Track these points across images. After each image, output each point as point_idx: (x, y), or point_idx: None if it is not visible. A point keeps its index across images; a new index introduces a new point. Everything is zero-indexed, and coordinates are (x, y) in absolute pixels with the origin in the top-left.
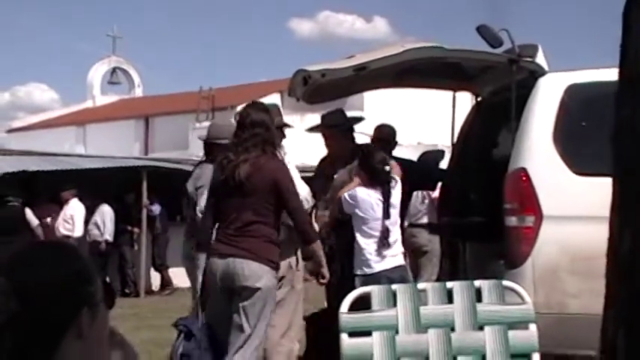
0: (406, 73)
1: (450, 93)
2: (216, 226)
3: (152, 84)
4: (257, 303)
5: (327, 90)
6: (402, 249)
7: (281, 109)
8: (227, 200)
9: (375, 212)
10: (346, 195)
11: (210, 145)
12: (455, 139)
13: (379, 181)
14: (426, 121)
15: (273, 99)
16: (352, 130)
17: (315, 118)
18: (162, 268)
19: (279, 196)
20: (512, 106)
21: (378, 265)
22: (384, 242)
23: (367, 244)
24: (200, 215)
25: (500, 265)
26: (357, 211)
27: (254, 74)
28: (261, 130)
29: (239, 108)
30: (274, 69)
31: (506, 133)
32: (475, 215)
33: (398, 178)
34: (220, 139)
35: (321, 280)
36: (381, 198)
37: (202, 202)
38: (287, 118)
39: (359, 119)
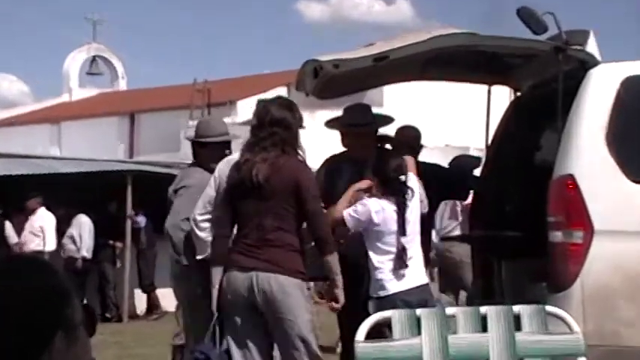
0: (433, 64)
1: (484, 87)
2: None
3: (138, 75)
4: (299, 325)
5: (341, 83)
6: (421, 265)
7: None
8: (244, 204)
9: (389, 226)
10: (351, 211)
11: (199, 146)
12: (489, 141)
13: (392, 191)
14: (456, 120)
15: (278, 93)
16: (377, 132)
17: (326, 116)
18: (150, 289)
19: (298, 199)
20: (559, 101)
21: (393, 286)
22: (399, 262)
23: (381, 263)
24: (179, 223)
25: (543, 287)
26: (368, 226)
27: (256, 65)
28: (279, 129)
29: (239, 104)
30: (280, 59)
31: (551, 133)
32: (513, 228)
33: (416, 190)
34: (208, 137)
35: (334, 305)
36: (395, 209)
37: (179, 203)
38: None
39: (387, 120)
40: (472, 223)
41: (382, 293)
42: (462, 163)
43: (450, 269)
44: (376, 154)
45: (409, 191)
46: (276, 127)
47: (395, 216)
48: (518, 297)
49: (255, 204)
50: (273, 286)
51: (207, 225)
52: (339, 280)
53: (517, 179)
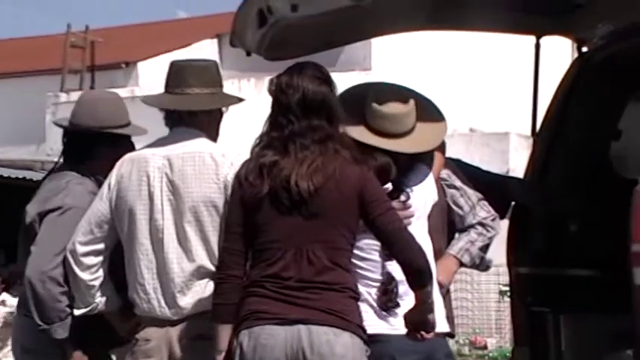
0: (448, 4)
1: (529, 40)
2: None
3: None
4: None
5: (302, 36)
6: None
7: (219, 67)
8: (271, 227)
9: (368, 252)
10: None
11: (78, 138)
12: (540, 126)
13: None
14: (485, 93)
15: (204, 51)
16: None
17: None
18: None
19: (367, 219)
20: None
21: (377, 325)
22: (384, 298)
23: (364, 296)
24: (50, 271)
25: (628, 357)
26: None
27: (166, 6)
28: (320, 118)
29: (140, 67)
30: None
31: (638, 112)
32: (576, 264)
33: (422, 196)
34: (102, 127)
35: (426, 335)
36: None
37: (50, 236)
38: (229, 87)
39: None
40: (514, 256)
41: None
42: None
43: None
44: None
45: (402, 196)
46: (315, 116)
47: (374, 239)
48: None
49: (292, 228)
50: (337, 348)
51: (94, 260)
52: (430, 321)
53: (584, 187)
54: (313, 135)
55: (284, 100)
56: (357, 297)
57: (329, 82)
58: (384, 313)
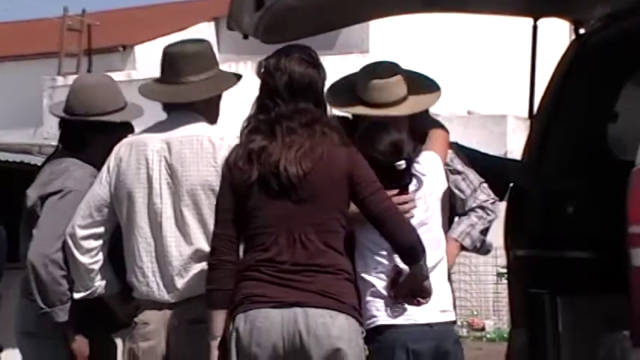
0: None
1: (526, 22)
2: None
3: None
4: None
5: (299, 18)
6: (441, 291)
7: (215, 51)
8: (263, 212)
9: (376, 238)
10: None
11: (74, 126)
12: (537, 108)
13: (385, 182)
14: (482, 76)
15: (201, 34)
16: None
17: None
18: None
19: (357, 200)
20: None
21: (384, 317)
22: (393, 289)
23: (372, 286)
24: (51, 254)
25: (624, 338)
26: (356, 234)
27: None
28: (307, 101)
29: (137, 50)
30: None
31: (636, 94)
32: (573, 246)
33: (433, 180)
34: (96, 114)
35: (422, 300)
36: None
37: (52, 220)
38: (226, 70)
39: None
40: (511, 238)
41: (369, 323)
42: None
43: None
44: (364, 128)
45: (414, 182)
46: (301, 99)
47: None
48: (583, 352)
49: (284, 212)
50: (333, 330)
51: (93, 244)
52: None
53: (581, 169)
54: (300, 118)
55: (271, 82)
56: (351, 279)
57: (317, 65)
58: (395, 305)
